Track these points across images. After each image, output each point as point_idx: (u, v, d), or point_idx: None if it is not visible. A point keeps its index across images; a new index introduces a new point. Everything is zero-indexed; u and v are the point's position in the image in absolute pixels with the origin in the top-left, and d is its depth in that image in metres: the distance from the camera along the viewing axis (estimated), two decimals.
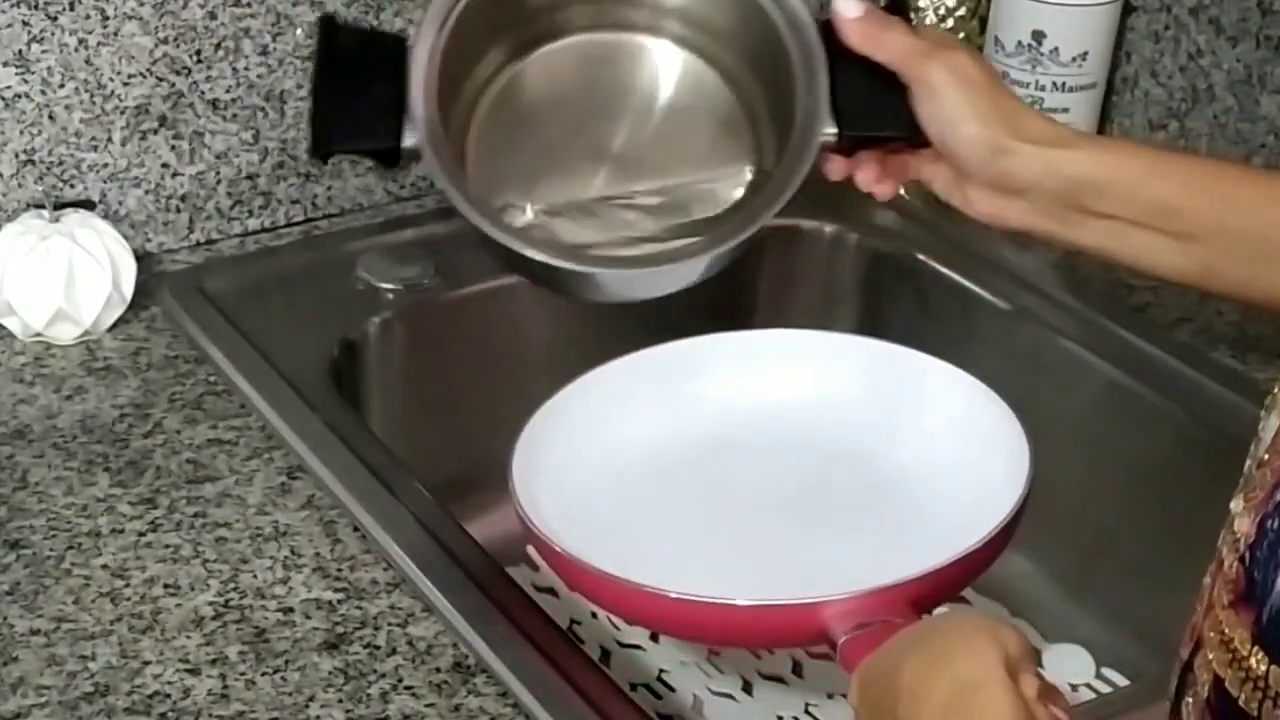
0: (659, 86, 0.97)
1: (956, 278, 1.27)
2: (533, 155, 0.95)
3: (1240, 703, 0.60)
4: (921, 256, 1.29)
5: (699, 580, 0.80)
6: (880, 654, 0.72)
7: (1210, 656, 0.62)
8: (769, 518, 0.90)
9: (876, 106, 0.88)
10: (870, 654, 0.73)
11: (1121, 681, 1.14)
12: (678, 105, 0.97)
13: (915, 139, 0.89)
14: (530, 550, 0.85)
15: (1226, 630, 0.61)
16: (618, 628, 1.15)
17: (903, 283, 1.30)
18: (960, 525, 0.83)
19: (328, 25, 0.90)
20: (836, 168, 0.92)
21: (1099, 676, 1.15)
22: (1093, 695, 1.12)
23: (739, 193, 0.94)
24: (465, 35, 0.89)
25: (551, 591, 1.18)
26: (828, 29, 0.89)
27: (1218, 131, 1.30)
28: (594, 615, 1.16)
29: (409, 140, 0.87)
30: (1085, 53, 1.30)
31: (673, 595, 0.79)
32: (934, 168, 0.91)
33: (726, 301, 1.31)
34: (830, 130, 0.89)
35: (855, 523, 0.89)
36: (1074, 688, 1.14)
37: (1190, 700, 0.65)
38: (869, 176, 0.92)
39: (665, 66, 0.97)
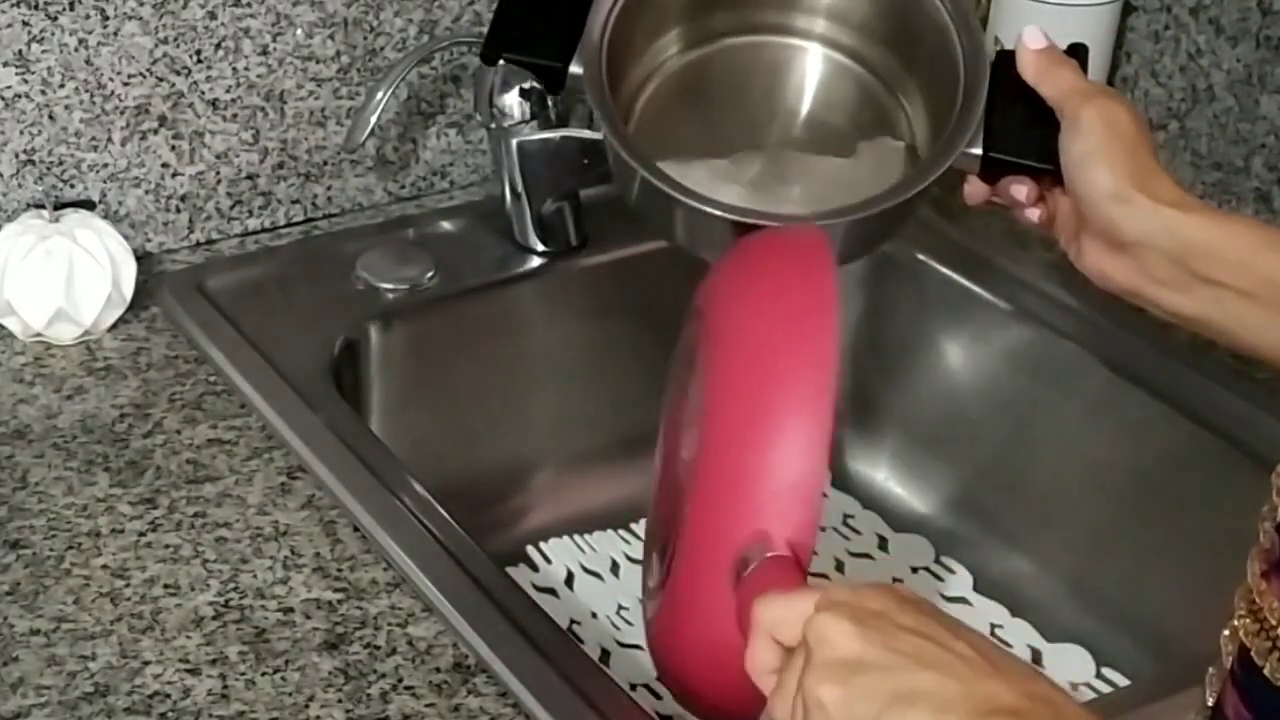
0: (825, 93, 1.01)
1: (956, 278, 1.27)
2: (694, 134, 0.98)
3: (1265, 672, 0.60)
4: (921, 256, 1.29)
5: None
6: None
7: (1238, 624, 0.62)
8: None
9: (1026, 136, 0.91)
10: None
11: (1121, 681, 1.14)
12: (839, 110, 1.01)
13: (1057, 174, 0.90)
14: None
15: (1256, 599, 0.61)
16: (617, 627, 1.15)
17: (903, 283, 1.30)
18: None
19: None
20: (976, 191, 0.94)
21: (1099, 676, 1.15)
22: (1093, 695, 1.12)
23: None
24: (651, 5, 0.95)
25: (551, 591, 1.18)
26: (998, 59, 0.93)
27: (1218, 131, 1.30)
28: (594, 615, 1.16)
29: (575, 67, 0.92)
30: None
31: None
32: (1062, 207, 0.92)
33: None
34: (976, 150, 0.92)
35: None
36: (1074, 687, 1.14)
37: (1213, 670, 0.65)
38: (1024, 193, 0.92)
39: (832, 76, 1.01)
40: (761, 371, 0.75)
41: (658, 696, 1.09)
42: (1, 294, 1.12)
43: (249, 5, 1.21)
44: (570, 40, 0.92)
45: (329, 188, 1.30)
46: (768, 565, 0.71)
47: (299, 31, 1.24)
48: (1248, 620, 0.61)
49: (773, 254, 0.82)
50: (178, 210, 1.24)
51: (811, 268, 0.78)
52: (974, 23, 0.95)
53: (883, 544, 1.27)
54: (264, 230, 1.28)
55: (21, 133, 1.17)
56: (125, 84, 1.19)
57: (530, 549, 1.22)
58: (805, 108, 1.01)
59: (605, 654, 1.12)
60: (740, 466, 0.74)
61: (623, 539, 1.23)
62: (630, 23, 0.94)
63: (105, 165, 1.20)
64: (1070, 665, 1.16)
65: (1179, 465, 1.14)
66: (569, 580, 1.19)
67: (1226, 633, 0.64)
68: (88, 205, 1.18)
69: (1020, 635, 1.19)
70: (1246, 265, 0.86)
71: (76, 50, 1.17)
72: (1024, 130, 0.91)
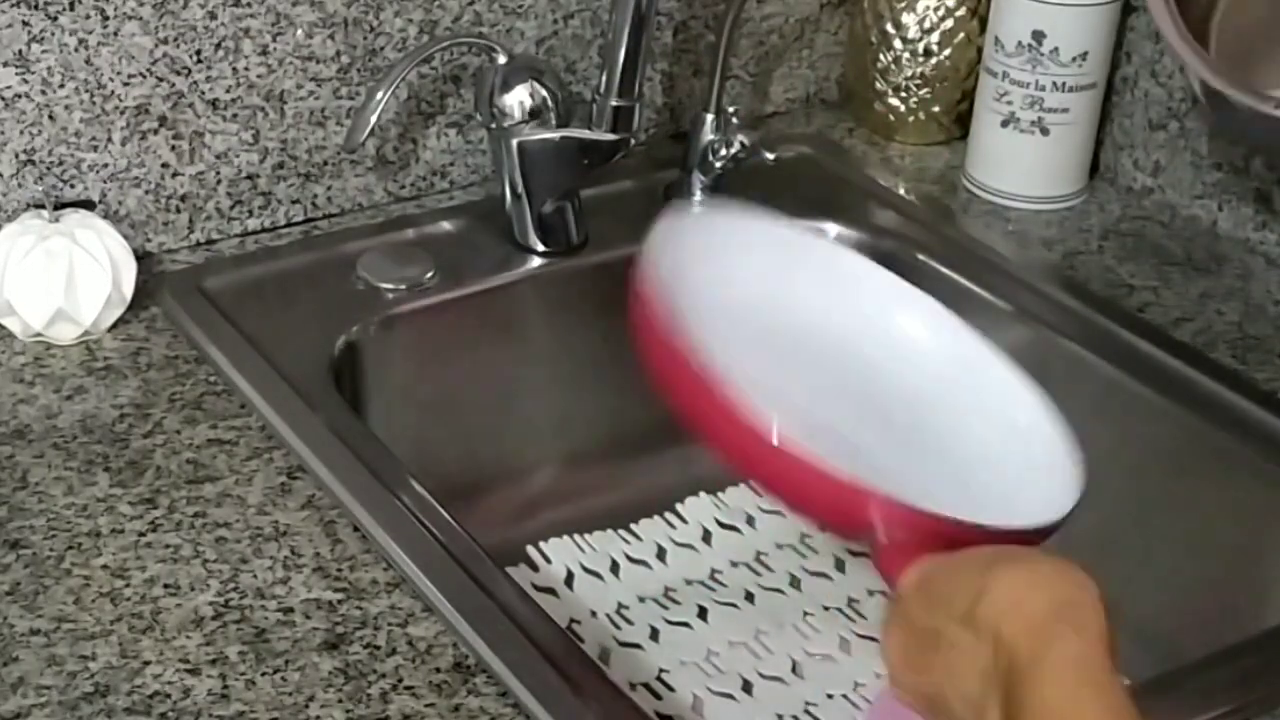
0: None
1: (956, 278, 1.27)
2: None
3: None
4: (921, 257, 1.29)
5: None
6: (957, 557, 0.76)
7: None
8: (831, 415, 0.92)
9: None
10: (933, 554, 0.77)
11: (1122, 682, 1.14)
12: None
13: None
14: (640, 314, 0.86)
15: None
16: (618, 627, 1.15)
17: None
18: (997, 498, 0.86)
19: None
20: None
21: None
22: None
23: None
24: None
25: (551, 591, 1.18)
26: None
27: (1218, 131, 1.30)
28: (593, 614, 1.16)
29: None
30: (1085, 53, 1.30)
31: (774, 441, 0.80)
32: None
33: None
34: None
35: (902, 450, 0.91)
36: None
37: None
38: None
39: None
40: None
41: (658, 697, 1.09)
42: (1, 294, 1.12)
43: (249, 5, 1.21)
44: None
45: (329, 188, 1.30)
46: None
47: (299, 31, 1.24)
48: None
49: None
50: (178, 210, 1.24)
51: None
52: None
53: None
54: (264, 230, 1.28)
55: (21, 133, 1.17)
56: (125, 84, 1.19)
57: (530, 549, 1.22)
58: None
59: (605, 654, 1.12)
60: None
61: (623, 539, 1.23)
62: None
63: (105, 165, 1.20)
64: None
65: (1179, 465, 1.14)
66: (569, 580, 1.19)
67: None
68: (88, 205, 1.18)
69: None
70: None
71: (76, 50, 1.17)
72: None
